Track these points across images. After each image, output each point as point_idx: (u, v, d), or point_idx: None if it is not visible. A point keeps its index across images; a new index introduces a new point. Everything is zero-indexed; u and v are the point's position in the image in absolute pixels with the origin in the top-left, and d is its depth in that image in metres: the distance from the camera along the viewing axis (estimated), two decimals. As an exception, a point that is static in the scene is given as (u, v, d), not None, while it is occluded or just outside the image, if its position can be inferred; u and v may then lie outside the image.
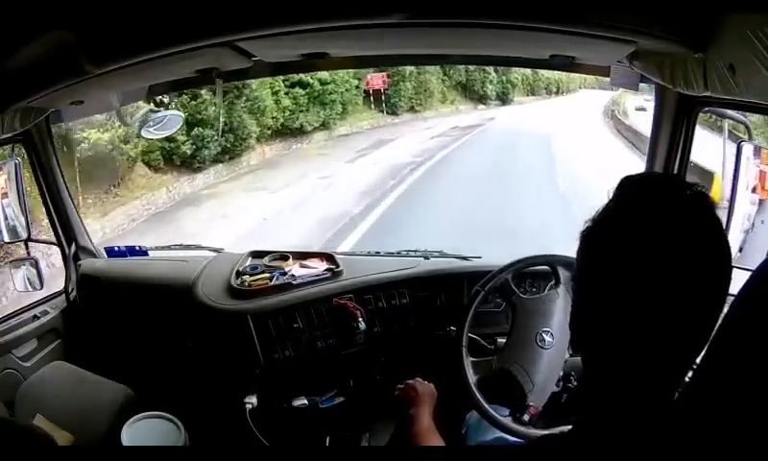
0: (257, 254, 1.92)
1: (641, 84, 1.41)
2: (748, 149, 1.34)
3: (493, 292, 1.49)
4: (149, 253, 2.10)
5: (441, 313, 1.73)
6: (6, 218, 1.79)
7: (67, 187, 1.93)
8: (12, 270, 1.90)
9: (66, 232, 1.95)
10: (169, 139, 9.44)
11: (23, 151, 1.83)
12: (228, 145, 11.13)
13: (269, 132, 12.56)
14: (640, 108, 15.28)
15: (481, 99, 22.42)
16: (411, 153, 12.80)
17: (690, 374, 0.57)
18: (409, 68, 15.37)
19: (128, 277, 1.95)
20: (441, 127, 16.53)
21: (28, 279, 1.87)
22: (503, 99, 23.69)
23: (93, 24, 0.98)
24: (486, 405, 1.31)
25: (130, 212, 8.85)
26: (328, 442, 1.78)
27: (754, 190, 1.32)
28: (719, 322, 0.54)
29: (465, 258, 1.90)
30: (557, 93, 29.79)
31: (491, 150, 13.33)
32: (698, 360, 0.56)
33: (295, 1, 0.93)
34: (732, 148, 1.39)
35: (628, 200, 0.58)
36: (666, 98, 1.44)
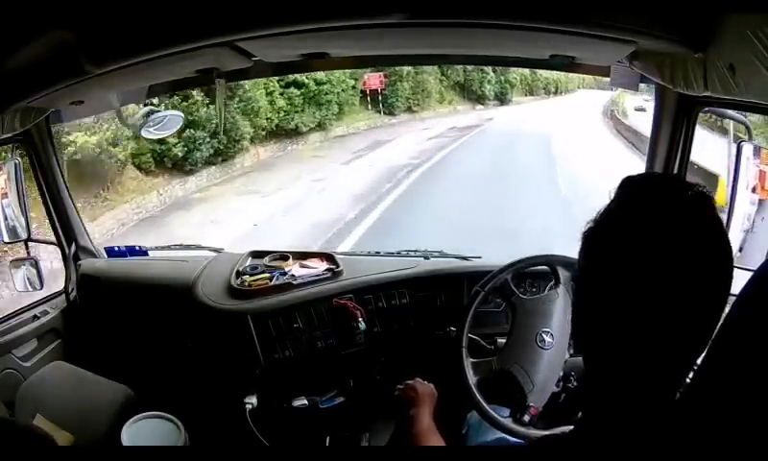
0: (257, 255, 1.92)
1: (640, 84, 1.41)
2: (748, 149, 1.34)
3: (493, 292, 1.48)
4: (149, 253, 2.10)
5: (441, 313, 1.73)
6: (6, 218, 1.79)
7: (67, 187, 1.93)
8: (12, 270, 1.90)
9: (66, 232, 1.95)
10: (160, 141, 9.30)
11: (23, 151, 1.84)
12: (221, 147, 10.95)
13: (263, 133, 12.43)
14: (640, 108, 15.29)
15: (479, 99, 22.35)
16: (408, 154, 12.66)
17: (692, 374, 0.57)
18: (406, 68, 15.27)
19: (128, 277, 1.95)
20: (438, 127, 16.43)
21: (28, 278, 1.87)
22: (501, 99, 23.62)
23: (93, 24, 0.98)
24: (486, 406, 1.31)
25: (119, 217, 8.71)
26: (328, 442, 1.78)
27: (754, 190, 1.32)
28: (720, 322, 0.55)
29: (465, 258, 1.90)
30: (555, 93, 29.79)
31: (489, 151, 13.23)
32: (699, 360, 0.56)
33: (295, 1, 0.93)
34: (733, 149, 1.40)
35: (629, 200, 0.58)
36: (666, 98, 1.44)
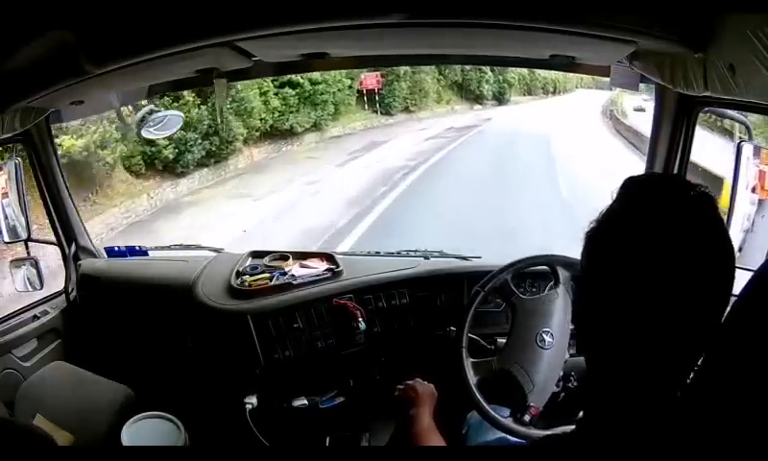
0: (257, 255, 1.92)
1: (639, 84, 1.41)
2: (748, 149, 1.34)
3: (493, 292, 1.48)
4: (149, 253, 2.10)
5: (441, 313, 1.73)
6: (6, 218, 1.79)
7: (67, 187, 1.93)
8: (12, 270, 1.90)
9: (66, 232, 1.95)
10: (150, 143, 9.13)
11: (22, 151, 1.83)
12: (214, 148, 10.72)
13: (257, 134, 12.21)
14: (639, 108, 15.29)
15: (477, 99, 22.24)
16: (404, 156, 12.47)
17: (693, 373, 0.57)
18: (404, 67, 14.96)
19: (128, 277, 1.95)
20: (436, 128, 16.28)
21: (28, 278, 1.87)
22: (499, 99, 23.54)
23: (93, 24, 0.98)
24: (486, 406, 1.31)
25: (108, 221, 8.45)
26: (328, 442, 1.78)
27: (753, 190, 1.32)
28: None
29: (465, 258, 1.90)
30: (554, 93, 29.75)
31: (488, 152, 13.11)
32: (700, 360, 0.56)
33: (295, 1, 0.93)
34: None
35: (632, 200, 0.59)
36: (666, 98, 1.44)
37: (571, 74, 21.16)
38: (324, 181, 10.63)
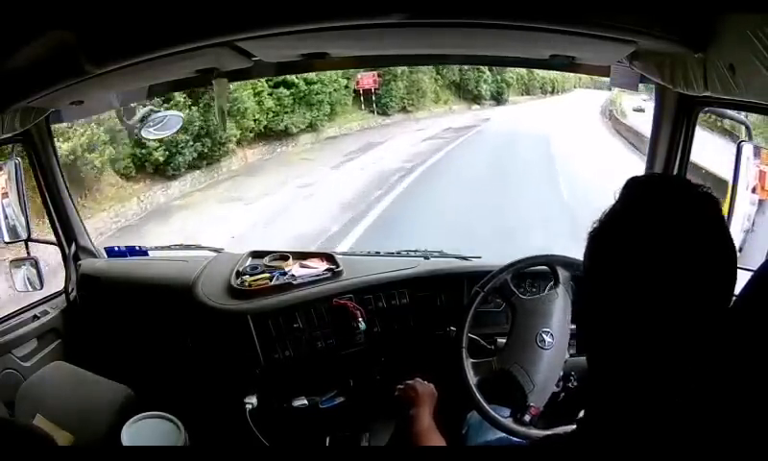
0: (257, 255, 1.92)
1: (639, 84, 1.41)
2: (748, 149, 1.34)
3: (493, 292, 1.48)
4: (149, 253, 2.10)
5: (441, 313, 1.73)
6: (6, 218, 1.79)
7: (67, 187, 1.93)
8: (12, 270, 1.90)
9: (66, 232, 1.95)
10: (140, 145, 8.97)
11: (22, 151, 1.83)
12: (206, 150, 10.40)
13: (251, 135, 11.94)
14: (638, 108, 15.28)
15: (475, 99, 22.11)
16: (401, 157, 12.26)
17: (694, 373, 0.57)
18: (401, 67, 14.67)
19: (128, 277, 1.95)
20: (433, 128, 16.10)
21: (28, 278, 1.87)
22: (498, 99, 23.43)
23: (93, 24, 0.98)
24: (486, 406, 1.31)
25: (97, 226, 8.02)
26: (328, 442, 1.78)
27: (754, 190, 1.32)
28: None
29: (465, 258, 1.90)
30: (552, 93, 29.70)
31: (487, 153, 13.01)
32: (700, 360, 0.56)
33: (295, 1, 0.93)
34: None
35: (634, 201, 0.59)
36: (666, 98, 1.44)
37: (569, 74, 21.17)
38: (318, 183, 10.41)
